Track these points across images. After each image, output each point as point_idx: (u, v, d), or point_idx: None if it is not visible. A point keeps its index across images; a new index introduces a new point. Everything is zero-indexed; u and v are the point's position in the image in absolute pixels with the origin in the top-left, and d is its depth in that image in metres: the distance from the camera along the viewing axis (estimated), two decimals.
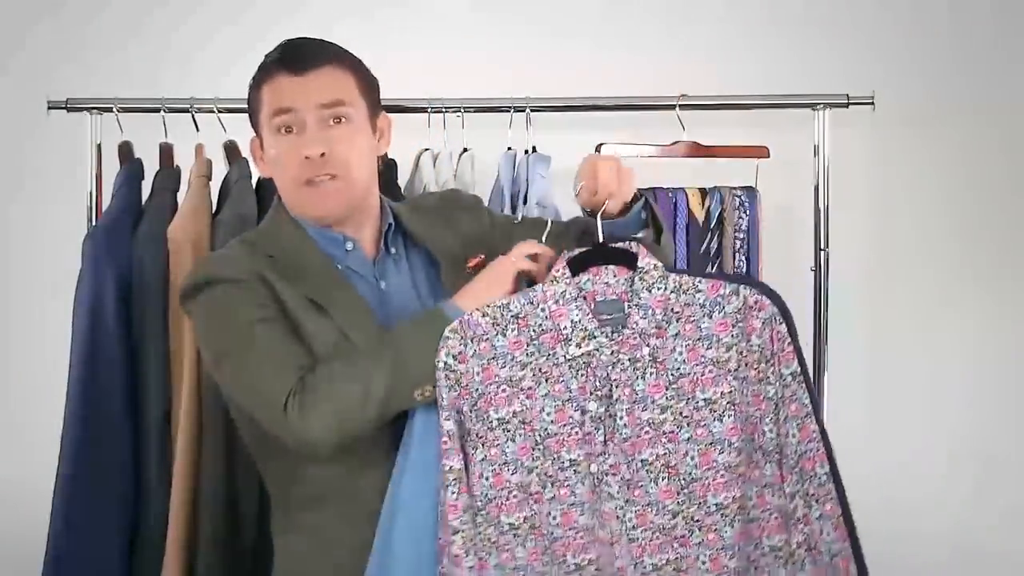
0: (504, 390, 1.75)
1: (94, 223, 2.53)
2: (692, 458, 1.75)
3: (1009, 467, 3.09)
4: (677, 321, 1.76)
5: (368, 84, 1.89)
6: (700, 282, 1.77)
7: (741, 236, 2.55)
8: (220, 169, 2.46)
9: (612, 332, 1.75)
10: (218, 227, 2.33)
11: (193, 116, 2.48)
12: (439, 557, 1.74)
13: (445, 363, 1.73)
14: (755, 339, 1.74)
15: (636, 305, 1.75)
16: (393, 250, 1.94)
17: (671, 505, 1.74)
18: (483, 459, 1.74)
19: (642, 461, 1.74)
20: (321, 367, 1.74)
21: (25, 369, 3.06)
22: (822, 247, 2.58)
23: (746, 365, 1.75)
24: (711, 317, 1.75)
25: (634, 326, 1.75)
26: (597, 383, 1.74)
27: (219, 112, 2.47)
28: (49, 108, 2.51)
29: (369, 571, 1.76)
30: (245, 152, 2.39)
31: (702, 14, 3.08)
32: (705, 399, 1.75)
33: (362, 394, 1.71)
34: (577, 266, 1.78)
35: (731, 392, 1.75)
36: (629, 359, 1.74)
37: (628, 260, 1.77)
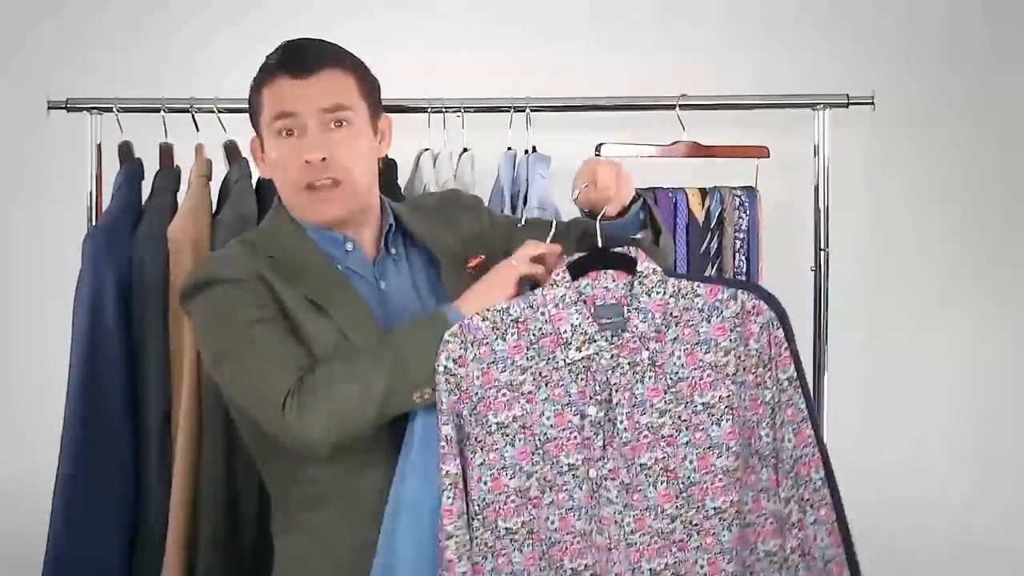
0: (504, 394, 1.74)
1: (94, 223, 2.53)
2: (690, 462, 1.75)
3: (1009, 467, 3.09)
4: (676, 325, 1.76)
5: (369, 86, 1.89)
6: (698, 286, 1.77)
7: (741, 236, 2.55)
8: (220, 169, 2.46)
9: (612, 336, 1.75)
10: (218, 227, 2.33)
11: (193, 116, 2.48)
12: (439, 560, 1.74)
13: (445, 367, 1.73)
14: (753, 343, 1.75)
15: (636, 309, 1.75)
16: (393, 250, 1.94)
17: (669, 509, 1.74)
18: (482, 463, 1.74)
19: (641, 465, 1.74)
20: (320, 367, 1.74)
21: (25, 369, 3.06)
22: (822, 247, 2.58)
23: (744, 369, 1.75)
24: (709, 321, 1.76)
25: (634, 330, 1.75)
26: (597, 387, 1.74)
27: (219, 112, 2.47)
28: (49, 108, 2.51)
29: (374, 572, 1.76)
30: (245, 152, 2.39)
31: (702, 14, 3.08)
32: (703, 403, 1.75)
33: (361, 395, 1.71)
34: (577, 270, 1.78)
35: (729, 396, 1.75)
36: (629, 363, 1.74)
37: (627, 265, 1.78)
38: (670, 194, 2.54)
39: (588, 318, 1.75)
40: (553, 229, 1.85)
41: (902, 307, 3.11)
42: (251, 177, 2.41)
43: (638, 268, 1.77)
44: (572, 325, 1.75)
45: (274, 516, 1.92)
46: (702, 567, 1.75)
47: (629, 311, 1.76)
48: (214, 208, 2.40)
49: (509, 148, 2.53)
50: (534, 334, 1.75)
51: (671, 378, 1.75)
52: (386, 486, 1.78)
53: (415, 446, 1.76)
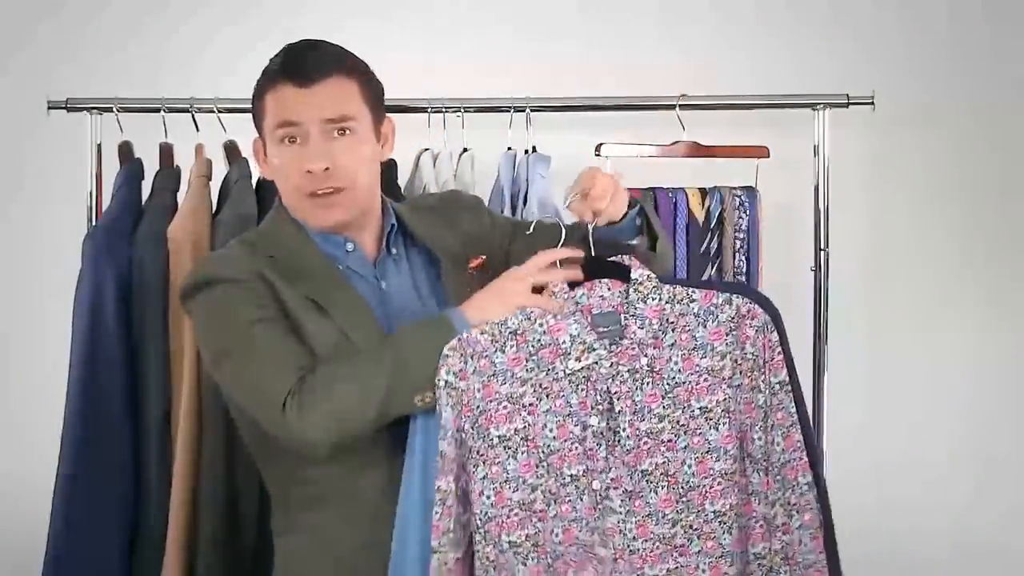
0: (504, 407, 1.74)
1: (94, 223, 2.53)
2: (689, 466, 1.75)
3: (1009, 467, 3.10)
4: (672, 331, 1.76)
5: (373, 92, 1.88)
6: (694, 292, 1.77)
7: (741, 236, 2.55)
8: (220, 169, 2.46)
9: (611, 344, 1.75)
10: (218, 227, 2.33)
11: (193, 116, 2.48)
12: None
13: (446, 381, 1.71)
14: (749, 347, 1.75)
15: (632, 316, 1.75)
16: (394, 250, 1.94)
17: (670, 514, 1.74)
18: (484, 477, 1.73)
19: (642, 472, 1.74)
20: (321, 368, 1.74)
21: (25, 369, 3.06)
22: (822, 247, 2.58)
23: (740, 373, 1.75)
24: (705, 326, 1.76)
25: (632, 336, 1.75)
26: (598, 397, 1.74)
27: (219, 112, 2.46)
28: (49, 108, 2.51)
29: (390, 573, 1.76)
30: (245, 152, 2.39)
31: (702, 14, 3.08)
32: (700, 408, 1.75)
33: (361, 396, 1.71)
34: (572, 283, 1.78)
35: (726, 400, 1.75)
36: (628, 370, 1.74)
37: (621, 273, 1.78)
38: (670, 194, 2.54)
39: (586, 327, 1.75)
40: (563, 235, 1.83)
41: (902, 307, 3.11)
42: (251, 177, 2.41)
43: (632, 275, 1.77)
44: (571, 335, 1.74)
45: (274, 516, 1.92)
46: (704, 571, 1.74)
47: (626, 318, 1.76)
48: (214, 208, 2.40)
49: (509, 148, 2.53)
50: (533, 345, 1.75)
51: (669, 383, 1.75)
52: (386, 486, 1.78)
53: (418, 446, 1.75)
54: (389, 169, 2.40)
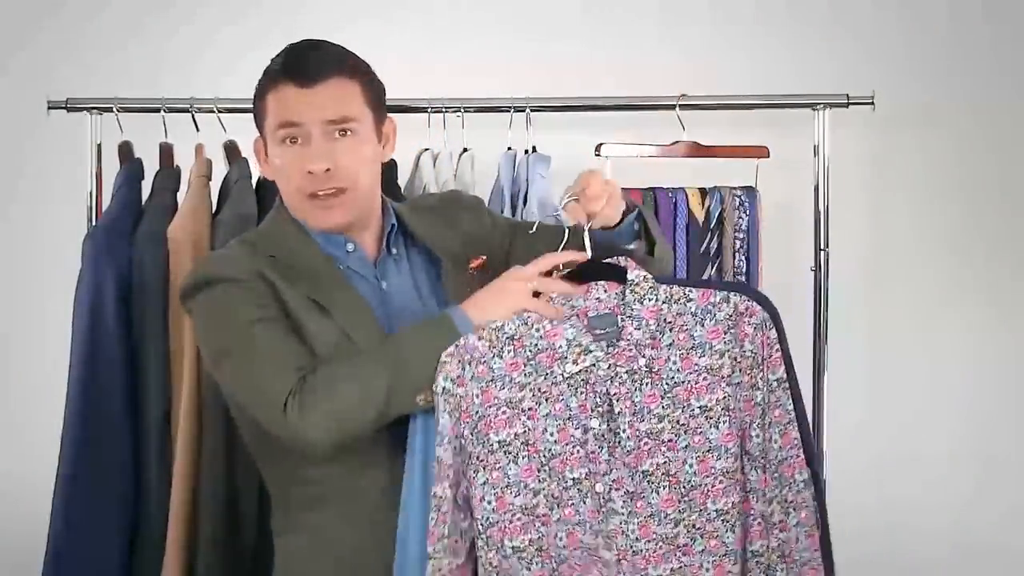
0: (504, 412, 1.73)
1: (94, 223, 2.53)
2: (691, 465, 1.74)
3: (1009, 467, 3.10)
4: (670, 331, 1.76)
5: (374, 92, 1.88)
6: (691, 291, 1.77)
7: (741, 236, 2.55)
8: (220, 169, 2.46)
9: (608, 346, 1.75)
10: (218, 227, 2.33)
11: (193, 116, 2.48)
12: None
13: (444, 387, 1.71)
14: (748, 345, 1.75)
15: (629, 317, 1.75)
16: (394, 250, 1.94)
17: (672, 514, 1.74)
18: (485, 482, 1.73)
19: (643, 472, 1.73)
20: (322, 367, 1.74)
21: (25, 369, 3.06)
22: (822, 247, 2.58)
23: (739, 371, 1.75)
24: (703, 325, 1.76)
25: (629, 338, 1.74)
26: (597, 399, 1.74)
27: (219, 112, 2.46)
28: (49, 108, 2.51)
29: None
30: (245, 152, 2.39)
31: (702, 14, 3.08)
32: (700, 407, 1.75)
33: (362, 395, 1.71)
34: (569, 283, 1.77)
35: (725, 399, 1.75)
36: (627, 371, 1.74)
37: (617, 275, 1.77)
38: (670, 194, 2.55)
39: (582, 330, 1.75)
40: (566, 237, 1.83)
41: (902, 307, 3.11)
42: (251, 177, 2.41)
43: (629, 277, 1.76)
44: (567, 339, 1.74)
45: (274, 516, 1.92)
46: (708, 570, 1.74)
47: (623, 320, 1.76)
48: (214, 208, 2.40)
49: (509, 148, 2.53)
50: (530, 350, 1.74)
51: (668, 383, 1.75)
52: (387, 486, 1.78)
53: (418, 447, 1.75)
54: (389, 169, 2.40)
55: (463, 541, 1.74)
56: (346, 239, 1.89)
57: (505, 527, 1.73)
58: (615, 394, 1.73)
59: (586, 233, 1.78)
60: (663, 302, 1.76)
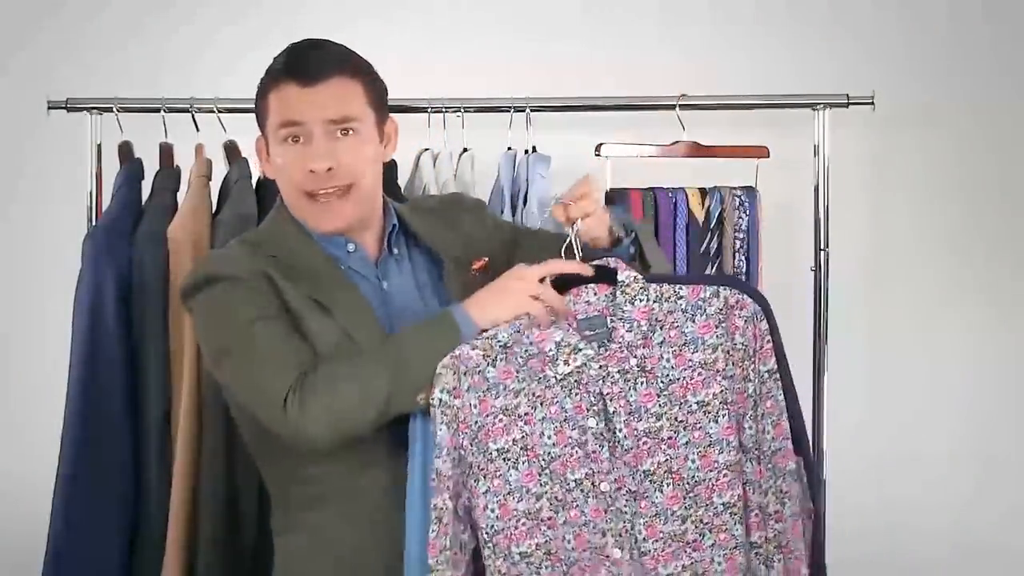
0: (501, 420, 1.73)
1: (94, 223, 2.53)
2: (693, 461, 1.74)
3: (1009, 467, 3.10)
4: (662, 329, 1.75)
5: (376, 92, 1.88)
6: (680, 288, 1.76)
7: (741, 236, 2.55)
8: (220, 169, 2.46)
9: (599, 347, 1.75)
10: (218, 227, 2.33)
11: (193, 116, 2.48)
12: None
13: (440, 399, 1.71)
14: (739, 337, 1.75)
15: (620, 319, 1.74)
16: (396, 251, 1.94)
17: (679, 511, 1.74)
18: (486, 491, 1.72)
19: (644, 472, 1.73)
20: (323, 366, 1.74)
21: (25, 369, 3.06)
22: (822, 247, 2.59)
23: (732, 364, 1.75)
24: (694, 321, 1.75)
25: (620, 339, 1.74)
26: (591, 399, 1.73)
27: (219, 112, 2.47)
28: (49, 108, 2.51)
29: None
30: (245, 152, 2.40)
31: (702, 14, 3.09)
32: (697, 402, 1.75)
33: (362, 394, 1.71)
34: (558, 288, 1.76)
35: (722, 392, 1.75)
36: (619, 372, 1.74)
37: (608, 277, 1.77)
38: (670, 194, 2.54)
39: (571, 332, 1.75)
40: (566, 244, 1.81)
41: (902, 307, 3.11)
42: (251, 177, 2.41)
43: (619, 277, 1.76)
44: (556, 341, 1.74)
45: (274, 515, 1.92)
46: (720, 564, 1.74)
47: (613, 321, 1.75)
48: (214, 208, 2.40)
49: (509, 148, 2.53)
50: (521, 357, 1.74)
51: (662, 381, 1.75)
52: (387, 485, 1.78)
53: (419, 450, 1.75)
54: (389, 169, 2.40)
55: (463, 554, 1.74)
56: (347, 239, 1.89)
57: (511, 533, 1.73)
58: (608, 394, 1.73)
59: (573, 236, 1.77)
60: (654, 301, 1.75)
